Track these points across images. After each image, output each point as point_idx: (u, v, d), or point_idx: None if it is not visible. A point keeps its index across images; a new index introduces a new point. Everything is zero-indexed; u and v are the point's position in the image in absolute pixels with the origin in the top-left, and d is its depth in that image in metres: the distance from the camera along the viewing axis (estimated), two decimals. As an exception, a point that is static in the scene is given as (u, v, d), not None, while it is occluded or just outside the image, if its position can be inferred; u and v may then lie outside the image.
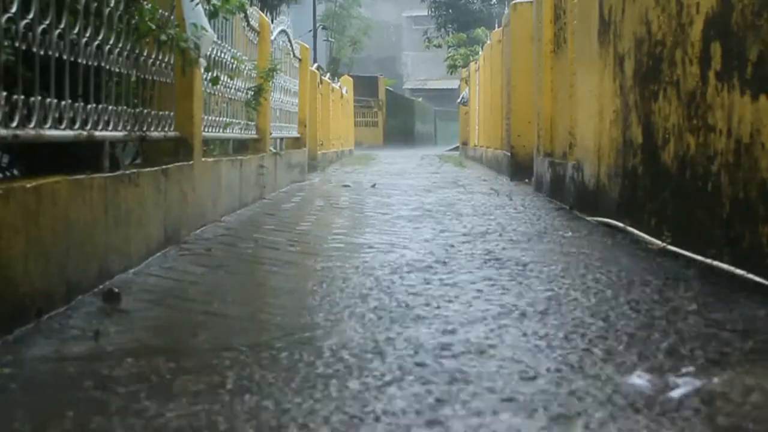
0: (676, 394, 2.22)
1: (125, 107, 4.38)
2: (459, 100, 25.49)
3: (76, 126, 3.71)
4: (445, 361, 2.56)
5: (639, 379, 2.35)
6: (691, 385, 2.29)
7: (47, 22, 3.38)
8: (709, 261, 3.95)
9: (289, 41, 11.85)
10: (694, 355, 2.58)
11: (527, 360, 2.56)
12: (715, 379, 2.33)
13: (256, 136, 9.04)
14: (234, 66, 7.52)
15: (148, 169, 4.59)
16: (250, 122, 8.68)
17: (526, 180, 11.06)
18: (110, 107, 4.14)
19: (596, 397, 2.20)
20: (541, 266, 4.33)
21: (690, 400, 2.16)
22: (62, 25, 3.52)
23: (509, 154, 12.69)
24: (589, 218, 6.38)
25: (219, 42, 6.73)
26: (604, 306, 3.32)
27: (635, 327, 2.96)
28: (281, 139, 11.32)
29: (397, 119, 42.52)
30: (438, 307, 3.35)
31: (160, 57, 5.05)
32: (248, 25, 8.49)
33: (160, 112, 5.10)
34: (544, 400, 2.18)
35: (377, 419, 2.06)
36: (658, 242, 4.69)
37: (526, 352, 2.65)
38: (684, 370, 2.42)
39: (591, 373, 2.41)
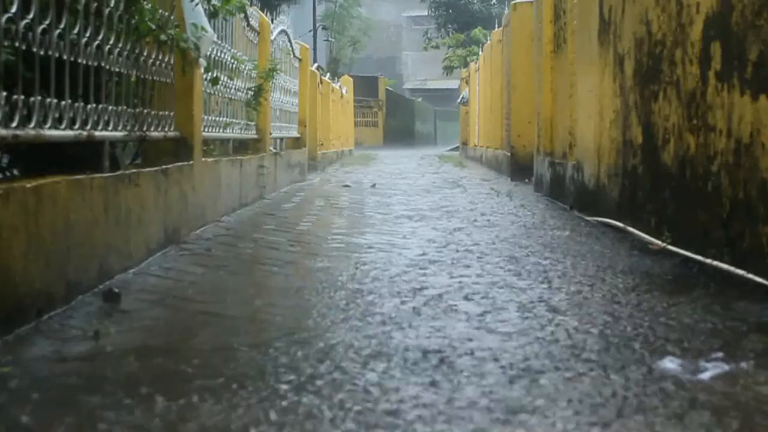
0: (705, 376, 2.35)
1: (125, 107, 4.38)
2: (459, 100, 25.49)
3: (76, 126, 3.71)
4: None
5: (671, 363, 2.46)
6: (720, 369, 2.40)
7: (47, 22, 3.37)
8: (709, 261, 3.95)
9: (289, 41, 11.85)
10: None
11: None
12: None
13: (256, 136, 9.03)
14: (234, 66, 7.52)
15: (148, 169, 4.59)
16: (250, 122, 8.67)
17: (526, 180, 11.06)
18: (110, 107, 4.13)
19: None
20: (539, 266, 4.34)
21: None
22: (62, 25, 3.52)
23: (509, 154, 12.69)
24: (588, 218, 6.38)
25: (219, 42, 6.73)
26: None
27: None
28: (281, 139, 11.32)
29: (397, 119, 42.51)
30: (439, 313, 3.35)
31: (160, 57, 5.05)
32: (248, 25, 8.49)
33: (160, 112, 5.10)
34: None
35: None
36: (658, 242, 4.69)
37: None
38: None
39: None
